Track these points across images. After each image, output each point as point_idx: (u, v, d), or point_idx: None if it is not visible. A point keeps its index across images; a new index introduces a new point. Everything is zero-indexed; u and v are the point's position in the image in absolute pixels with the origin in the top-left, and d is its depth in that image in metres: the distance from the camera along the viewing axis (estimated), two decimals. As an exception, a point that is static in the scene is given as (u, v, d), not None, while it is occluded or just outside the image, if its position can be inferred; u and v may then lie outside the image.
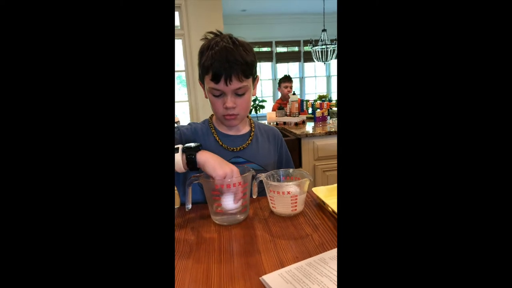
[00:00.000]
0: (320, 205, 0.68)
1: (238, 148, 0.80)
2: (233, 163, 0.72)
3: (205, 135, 0.81)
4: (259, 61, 4.93)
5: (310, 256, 0.48)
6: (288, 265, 0.46)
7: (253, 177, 0.65)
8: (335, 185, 0.72)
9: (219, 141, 0.80)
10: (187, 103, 2.93)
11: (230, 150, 0.79)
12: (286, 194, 0.61)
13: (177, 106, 2.89)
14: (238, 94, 0.71)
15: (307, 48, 4.85)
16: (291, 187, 0.62)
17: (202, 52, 0.72)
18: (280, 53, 4.98)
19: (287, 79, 2.71)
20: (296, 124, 2.08)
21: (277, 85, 2.85)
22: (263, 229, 0.58)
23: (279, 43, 4.92)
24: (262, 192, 0.82)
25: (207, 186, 0.61)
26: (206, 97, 0.76)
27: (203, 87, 0.76)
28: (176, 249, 0.53)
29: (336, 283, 0.39)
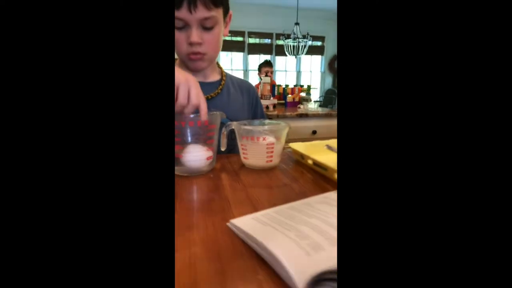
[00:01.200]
0: (298, 161, 0.59)
1: (206, 97, 0.67)
2: (197, 113, 0.60)
3: None
4: (231, 51, 4.80)
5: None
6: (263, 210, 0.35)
7: (223, 125, 0.54)
8: (314, 142, 0.63)
9: None
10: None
11: None
12: (262, 141, 0.51)
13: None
14: (206, 27, 0.59)
15: (279, 42, 4.83)
16: (268, 134, 0.52)
17: None
18: (253, 44, 4.88)
19: (267, 64, 2.63)
20: (267, 107, 2.00)
21: (258, 70, 2.76)
22: (232, 179, 0.48)
23: (252, 34, 4.82)
24: (233, 149, 0.71)
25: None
26: None
27: None
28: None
29: (328, 223, 0.30)
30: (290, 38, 4.07)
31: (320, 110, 2.04)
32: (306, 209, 0.34)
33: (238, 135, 0.53)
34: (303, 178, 0.49)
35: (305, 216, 0.32)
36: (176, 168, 0.49)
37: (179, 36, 0.59)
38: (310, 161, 0.53)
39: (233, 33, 4.71)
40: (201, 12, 0.56)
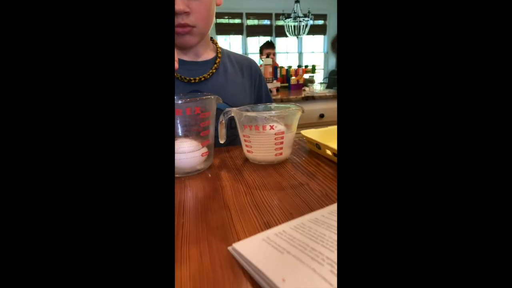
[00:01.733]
0: (313, 152, 0.50)
1: (197, 79, 0.56)
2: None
3: None
4: (229, 34, 4.61)
5: (312, 211, 0.29)
6: (277, 225, 0.26)
7: (220, 111, 0.44)
8: (330, 128, 0.54)
9: None
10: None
11: (186, 81, 0.56)
12: (269, 130, 0.41)
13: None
14: None
15: (279, 22, 4.63)
16: (276, 120, 0.42)
17: None
18: (251, 26, 4.68)
19: (269, 45, 2.52)
20: (270, 91, 1.88)
21: (259, 53, 2.64)
22: (234, 179, 0.38)
23: (250, 15, 4.61)
24: (234, 140, 0.62)
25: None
26: None
27: None
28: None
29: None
30: (291, 17, 3.88)
31: (327, 92, 1.92)
32: (335, 222, 0.25)
33: (239, 124, 0.44)
34: (322, 173, 0.40)
35: (334, 234, 0.23)
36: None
37: None
38: (329, 152, 0.44)
39: (231, 15, 4.51)
40: None
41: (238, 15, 4.55)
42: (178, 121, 0.38)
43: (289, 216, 0.29)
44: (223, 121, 0.44)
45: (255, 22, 4.69)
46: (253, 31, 4.69)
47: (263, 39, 4.79)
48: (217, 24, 4.40)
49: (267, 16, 4.70)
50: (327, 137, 0.48)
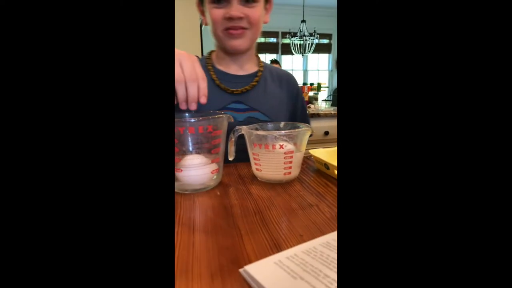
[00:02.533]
0: (321, 171, 0.50)
1: (240, 90, 0.60)
2: (231, 109, 0.55)
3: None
4: (236, 51, 4.72)
5: (323, 234, 0.29)
6: (288, 248, 0.26)
7: (230, 129, 0.45)
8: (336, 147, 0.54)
9: (215, 79, 0.60)
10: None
11: (229, 92, 0.60)
12: (278, 149, 0.42)
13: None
14: (247, 0, 0.54)
15: (285, 40, 4.73)
16: (285, 140, 0.42)
17: None
18: (258, 43, 4.79)
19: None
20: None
21: None
22: (243, 198, 0.38)
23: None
24: (241, 157, 0.63)
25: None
26: (206, 24, 0.58)
27: (203, 13, 0.58)
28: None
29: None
30: (297, 36, 3.98)
31: (332, 110, 1.94)
32: (348, 247, 0.24)
33: (249, 142, 0.44)
34: (331, 194, 0.40)
35: (349, 260, 0.22)
36: (174, 183, 0.40)
37: (217, 12, 0.54)
38: (336, 173, 0.44)
39: (238, 33, 4.63)
40: None
41: (246, 33, 4.69)
42: (190, 139, 0.39)
43: (299, 238, 0.29)
44: (233, 139, 0.45)
45: (261, 40, 4.82)
46: (260, 49, 4.80)
47: (269, 57, 4.89)
48: (224, 41, 4.52)
49: (274, 34, 4.82)
50: (336, 157, 0.48)
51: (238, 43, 0.57)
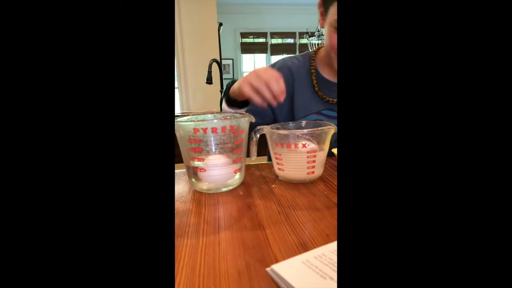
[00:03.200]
0: (345, 171, 0.48)
1: (335, 101, 0.61)
2: (322, 115, 0.59)
3: (300, 74, 0.63)
4: (254, 53, 4.74)
5: (350, 233, 0.28)
6: (315, 248, 0.26)
7: (252, 129, 0.45)
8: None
9: (315, 85, 0.62)
10: (177, 90, 2.71)
11: (325, 100, 0.61)
12: (301, 148, 0.41)
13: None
14: None
15: (302, 41, 4.70)
16: (308, 139, 0.42)
17: None
18: (275, 44, 4.79)
19: None
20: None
21: None
22: (266, 198, 0.38)
23: (274, 34, 4.73)
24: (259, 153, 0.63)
25: (182, 132, 0.40)
26: (322, 27, 0.60)
27: (323, 17, 0.59)
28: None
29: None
30: (314, 35, 3.93)
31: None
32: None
33: (271, 142, 0.44)
34: (356, 194, 0.39)
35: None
36: (198, 183, 0.41)
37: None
38: (362, 172, 0.43)
39: (255, 34, 4.65)
40: None
41: (263, 35, 4.68)
42: (213, 139, 0.39)
43: (326, 238, 0.28)
44: (255, 139, 0.45)
45: (279, 41, 4.80)
46: (277, 50, 4.79)
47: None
48: (242, 44, 4.55)
49: (291, 35, 4.79)
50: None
51: None
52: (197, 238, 0.29)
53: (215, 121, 0.38)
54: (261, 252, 0.26)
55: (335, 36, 0.54)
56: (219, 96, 2.23)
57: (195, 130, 0.38)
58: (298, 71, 0.64)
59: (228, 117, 0.40)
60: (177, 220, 0.33)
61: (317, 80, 0.62)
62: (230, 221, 0.32)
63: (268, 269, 0.23)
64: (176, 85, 2.71)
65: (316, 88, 0.62)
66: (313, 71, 0.63)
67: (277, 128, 0.46)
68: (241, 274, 0.23)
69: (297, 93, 0.63)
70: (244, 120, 0.41)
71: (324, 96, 0.62)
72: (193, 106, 2.68)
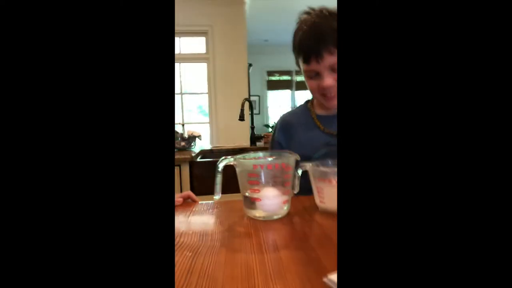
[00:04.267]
0: (379, 205, 0.54)
1: (336, 132, 0.69)
2: (326, 144, 0.65)
3: (302, 124, 0.73)
4: (278, 89, 4.96)
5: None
6: (360, 265, 0.32)
7: (297, 165, 0.53)
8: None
9: (319, 125, 0.71)
10: (208, 125, 2.89)
11: (326, 132, 0.70)
12: (340, 184, 0.49)
13: (198, 127, 2.86)
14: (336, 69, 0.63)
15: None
16: (346, 176, 0.49)
17: (293, 35, 0.67)
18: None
19: None
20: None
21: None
22: (311, 226, 0.45)
23: (299, 72, 4.95)
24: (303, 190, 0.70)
25: (242, 168, 0.49)
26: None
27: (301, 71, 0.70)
28: (198, 242, 0.41)
29: None
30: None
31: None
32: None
33: (313, 177, 0.52)
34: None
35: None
36: (253, 211, 0.49)
37: (311, 84, 0.66)
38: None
39: (281, 72, 4.91)
40: (328, 59, 0.60)
41: (288, 73, 4.95)
42: (268, 174, 0.48)
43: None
44: (298, 175, 0.53)
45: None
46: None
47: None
48: (268, 81, 4.82)
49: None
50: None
51: (336, 102, 0.67)
52: (261, 253, 0.36)
53: (269, 159, 0.47)
54: (316, 266, 0.33)
55: (309, 82, 0.66)
56: (247, 131, 2.37)
57: (254, 166, 0.47)
58: (299, 119, 0.75)
59: (279, 156, 0.49)
60: (241, 240, 0.41)
61: (320, 120, 0.72)
62: (286, 242, 0.39)
63: (325, 279, 0.30)
64: (208, 120, 2.89)
65: (321, 128, 0.70)
66: (313, 115, 0.73)
67: (318, 165, 0.54)
68: (304, 282, 0.30)
69: (300, 134, 0.72)
70: (292, 158, 0.49)
71: (324, 128, 0.70)
72: (223, 140, 2.80)
